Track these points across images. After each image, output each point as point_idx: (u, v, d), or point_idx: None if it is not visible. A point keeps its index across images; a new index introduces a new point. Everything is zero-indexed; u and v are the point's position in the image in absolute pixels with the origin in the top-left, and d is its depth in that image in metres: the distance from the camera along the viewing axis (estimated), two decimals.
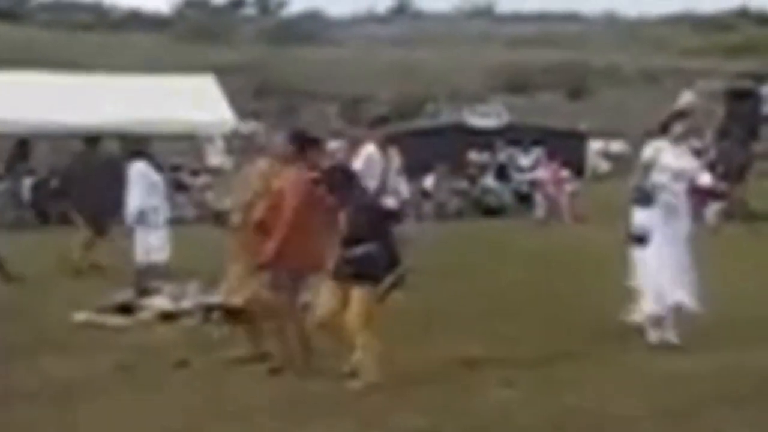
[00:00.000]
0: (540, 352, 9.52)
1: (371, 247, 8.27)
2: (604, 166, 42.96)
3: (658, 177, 9.85)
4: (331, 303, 8.47)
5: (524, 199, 29.09)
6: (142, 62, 44.00)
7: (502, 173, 31.57)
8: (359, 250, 8.28)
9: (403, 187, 13.69)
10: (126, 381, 8.72)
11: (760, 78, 34.38)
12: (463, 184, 29.84)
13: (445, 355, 9.35)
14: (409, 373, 8.66)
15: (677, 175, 9.93)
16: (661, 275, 9.79)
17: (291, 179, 8.97)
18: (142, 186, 14.36)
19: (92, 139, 26.89)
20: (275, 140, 9.94)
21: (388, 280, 8.25)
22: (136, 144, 15.52)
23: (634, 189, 9.97)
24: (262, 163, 9.48)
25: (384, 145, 13.53)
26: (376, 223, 8.46)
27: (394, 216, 13.58)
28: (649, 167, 9.89)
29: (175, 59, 50.15)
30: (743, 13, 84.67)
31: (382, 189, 13.41)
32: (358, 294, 8.23)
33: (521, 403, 7.88)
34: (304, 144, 9.36)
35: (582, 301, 12.11)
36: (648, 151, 9.96)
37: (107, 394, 8.29)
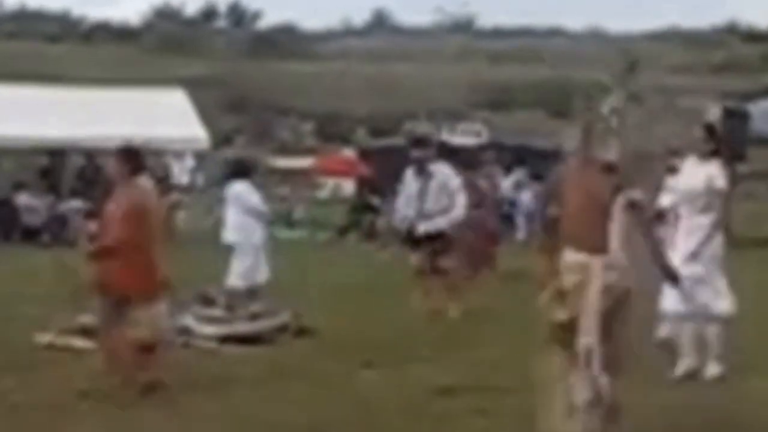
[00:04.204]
0: (518, 380, 9.10)
1: None
2: None
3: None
4: None
5: (505, 220, 28.35)
6: (111, 75, 43.27)
7: None
8: None
9: (460, 203, 12.87)
10: (90, 405, 8.58)
11: (748, 97, 33.93)
12: None
13: (420, 382, 9.26)
14: (383, 400, 8.62)
15: (681, 197, 9.75)
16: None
17: (119, 200, 8.66)
18: (238, 207, 13.90)
19: (57, 153, 26.17)
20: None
21: None
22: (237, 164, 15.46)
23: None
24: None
25: (423, 166, 12.81)
26: None
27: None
28: None
29: (145, 72, 49.36)
30: (731, 30, 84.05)
31: (420, 212, 12.73)
32: None
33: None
34: (135, 162, 8.82)
35: None
36: None
37: (71, 418, 8.19)
